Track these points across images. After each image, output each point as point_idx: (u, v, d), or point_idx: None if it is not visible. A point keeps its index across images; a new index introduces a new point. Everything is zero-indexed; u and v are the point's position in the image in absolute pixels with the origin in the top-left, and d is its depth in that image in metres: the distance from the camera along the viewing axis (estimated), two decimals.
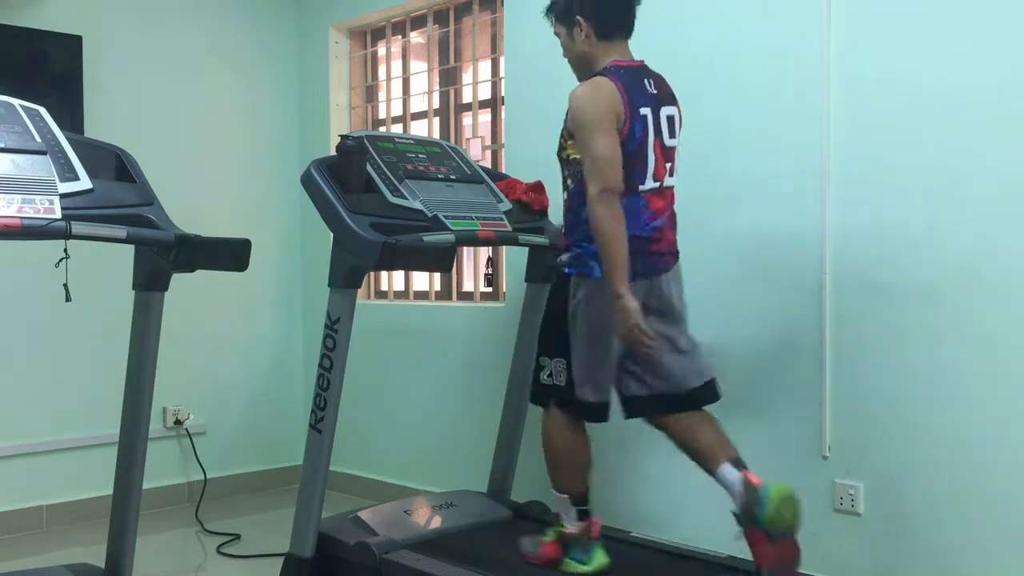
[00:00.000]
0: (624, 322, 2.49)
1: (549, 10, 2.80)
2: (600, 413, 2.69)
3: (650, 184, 2.61)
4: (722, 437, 2.63)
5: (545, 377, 2.73)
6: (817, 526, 2.98)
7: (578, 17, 2.66)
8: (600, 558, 2.77)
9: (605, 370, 2.66)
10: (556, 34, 2.78)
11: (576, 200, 2.64)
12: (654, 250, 2.64)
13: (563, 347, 2.68)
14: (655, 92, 2.65)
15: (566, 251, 2.70)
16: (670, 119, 2.67)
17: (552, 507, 3.05)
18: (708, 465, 2.60)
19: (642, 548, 3.02)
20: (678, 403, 2.67)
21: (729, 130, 3.16)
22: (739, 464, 2.54)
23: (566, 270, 2.68)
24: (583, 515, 2.76)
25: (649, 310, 2.60)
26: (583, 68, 2.70)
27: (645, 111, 2.59)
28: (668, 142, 2.66)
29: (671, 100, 2.71)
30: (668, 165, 2.66)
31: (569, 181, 2.70)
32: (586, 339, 2.64)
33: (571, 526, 2.76)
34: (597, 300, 2.59)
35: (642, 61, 2.71)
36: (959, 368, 2.72)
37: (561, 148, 2.73)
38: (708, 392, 2.71)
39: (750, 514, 2.45)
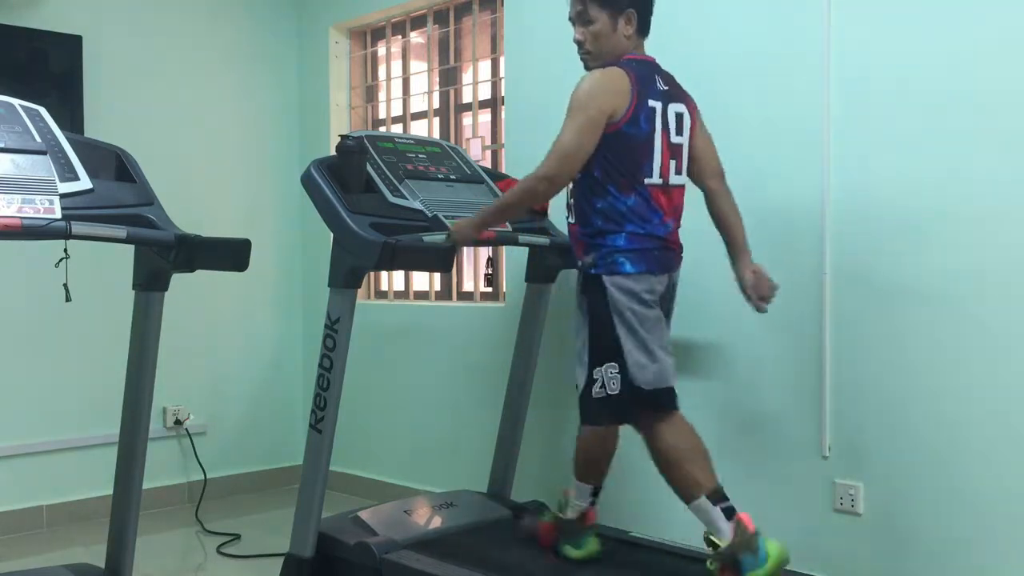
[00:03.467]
0: (457, 228, 2.78)
1: None
2: (672, 398, 2.61)
3: (656, 179, 2.61)
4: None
5: (598, 389, 2.57)
6: (817, 526, 2.98)
7: (630, 9, 2.61)
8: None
9: (665, 357, 2.59)
10: (586, 19, 2.63)
11: (588, 191, 2.61)
12: (670, 247, 2.66)
13: (614, 351, 2.56)
14: (665, 88, 2.65)
15: (588, 251, 2.63)
16: (679, 116, 2.66)
17: (551, 506, 3.07)
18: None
19: (642, 548, 3.03)
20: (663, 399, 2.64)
21: (729, 129, 3.15)
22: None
23: (593, 271, 2.60)
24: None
25: (665, 308, 2.66)
26: (605, 58, 2.63)
27: (654, 104, 2.59)
28: (675, 139, 2.65)
29: (681, 97, 2.70)
30: (674, 163, 2.65)
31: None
32: (633, 333, 2.56)
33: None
34: (632, 293, 2.55)
35: (653, 58, 2.71)
36: (959, 368, 2.72)
37: None
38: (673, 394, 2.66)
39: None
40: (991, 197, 2.66)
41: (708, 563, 2.50)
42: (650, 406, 2.59)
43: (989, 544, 2.68)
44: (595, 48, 2.65)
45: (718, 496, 2.50)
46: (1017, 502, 2.63)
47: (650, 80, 2.61)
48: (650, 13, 2.68)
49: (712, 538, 2.48)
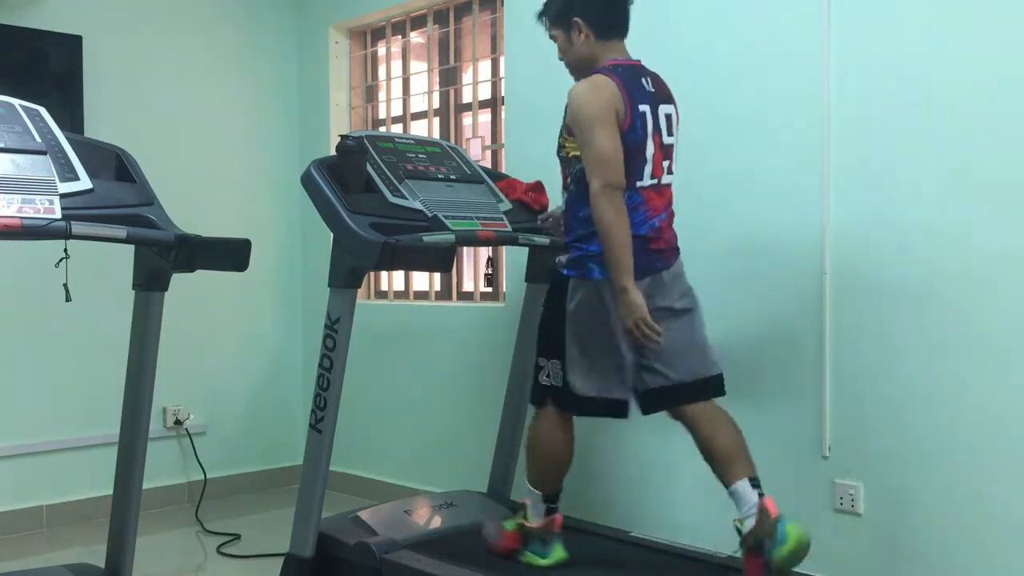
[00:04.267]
0: (629, 316, 2.51)
1: (543, 14, 2.79)
2: (618, 409, 2.69)
3: (648, 181, 2.62)
4: (741, 446, 2.62)
5: (543, 378, 2.73)
6: (817, 526, 2.98)
7: (576, 19, 2.66)
8: (558, 552, 2.84)
9: (610, 369, 2.65)
10: (552, 37, 2.77)
11: (575, 199, 2.65)
12: (653, 248, 2.64)
13: (559, 349, 2.68)
14: (653, 90, 2.65)
15: (564, 252, 2.71)
16: (668, 117, 2.68)
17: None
18: (725, 474, 2.59)
19: (642, 548, 3.02)
20: (693, 393, 2.67)
21: (729, 130, 3.16)
22: (756, 484, 2.54)
23: (564, 272, 2.68)
24: (550, 512, 2.82)
25: (654, 307, 2.62)
26: (582, 70, 2.69)
27: (644, 108, 2.60)
28: (667, 140, 2.66)
29: (668, 98, 2.71)
30: (666, 163, 2.66)
31: (569, 180, 2.71)
32: (587, 340, 2.64)
33: (535, 521, 2.82)
34: (596, 301, 2.60)
35: (639, 60, 2.71)
36: (959, 368, 2.71)
37: (560, 147, 2.74)
38: (718, 384, 2.72)
39: (758, 542, 2.46)
40: (991, 198, 2.65)
41: (505, 523, 2.87)
42: (588, 411, 2.71)
43: (989, 544, 2.67)
44: (567, 62, 2.77)
45: (551, 499, 2.80)
46: (1017, 502, 2.63)
47: (636, 83, 2.62)
48: (612, 16, 2.68)
49: (526, 512, 2.79)
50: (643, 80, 2.64)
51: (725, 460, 2.60)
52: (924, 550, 2.79)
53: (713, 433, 2.64)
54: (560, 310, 2.67)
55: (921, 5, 2.78)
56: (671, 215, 2.71)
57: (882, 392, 2.86)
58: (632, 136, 2.56)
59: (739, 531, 2.53)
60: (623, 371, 2.66)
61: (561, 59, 2.77)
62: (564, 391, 2.68)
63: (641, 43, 2.76)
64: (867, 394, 2.89)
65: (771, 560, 2.43)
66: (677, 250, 2.73)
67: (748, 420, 3.09)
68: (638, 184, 2.60)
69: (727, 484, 2.57)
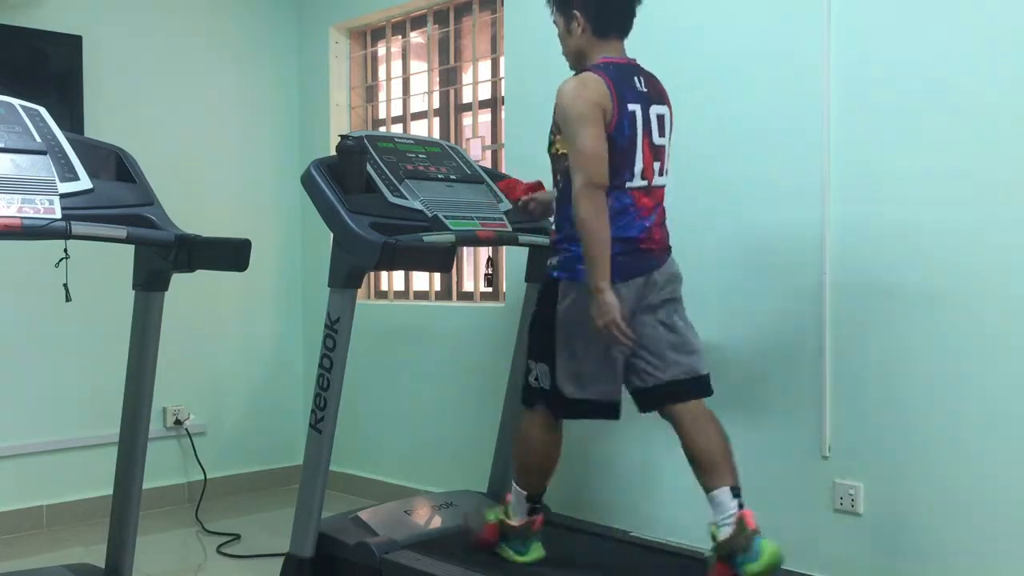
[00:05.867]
0: (601, 317, 2.51)
1: None
2: (608, 411, 2.70)
3: (638, 182, 2.61)
4: (726, 452, 2.60)
5: (532, 379, 2.73)
6: (817, 526, 2.98)
7: (575, 11, 2.66)
8: (537, 551, 2.86)
9: (600, 371, 2.65)
10: (555, 23, 2.76)
11: (564, 197, 2.65)
12: (643, 248, 2.64)
13: (547, 353, 2.68)
14: (645, 90, 2.64)
15: (554, 254, 2.70)
16: (660, 118, 2.66)
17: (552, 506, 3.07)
18: (706, 478, 2.58)
19: (642, 548, 3.03)
20: (684, 391, 2.66)
21: (729, 131, 3.16)
22: (738, 494, 2.54)
23: (554, 274, 2.68)
24: (533, 511, 2.84)
25: (647, 307, 2.63)
26: (577, 62, 2.71)
27: (633, 107, 2.59)
28: (657, 140, 2.65)
29: (662, 99, 2.70)
30: (657, 164, 2.65)
31: (559, 177, 2.71)
32: (577, 343, 2.63)
33: (516, 520, 2.84)
34: (585, 303, 2.58)
35: (634, 60, 2.70)
36: (959, 368, 2.71)
37: (550, 144, 2.75)
38: (707, 383, 2.70)
39: (731, 553, 2.46)
40: (991, 198, 2.65)
41: (488, 513, 2.83)
42: (576, 413, 2.71)
43: (989, 544, 2.67)
44: (564, 50, 2.76)
45: (534, 499, 2.81)
46: (1017, 502, 2.63)
47: (628, 83, 2.61)
48: (612, 15, 2.67)
49: (508, 508, 2.78)
50: (635, 79, 2.64)
51: (707, 464, 2.58)
52: (924, 550, 2.79)
53: (698, 435, 2.62)
54: (550, 313, 2.67)
55: (921, 5, 2.78)
56: (662, 214, 2.70)
57: (882, 392, 2.86)
58: (619, 135, 2.56)
59: (713, 537, 2.52)
60: (614, 372, 2.66)
61: (562, 49, 2.77)
62: (552, 394, 2.68)
63: (640, 43, 2.75)
64: (867, 394, 2.89)
65: (742, 573, 2.43)
66: (669, 249, 2.73)
67: (749, 420, 3.10)
68: (627, 185, 2.59)
69: (707, 489, 2.56)
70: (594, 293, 2.51)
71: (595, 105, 2.52)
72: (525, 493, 2.83)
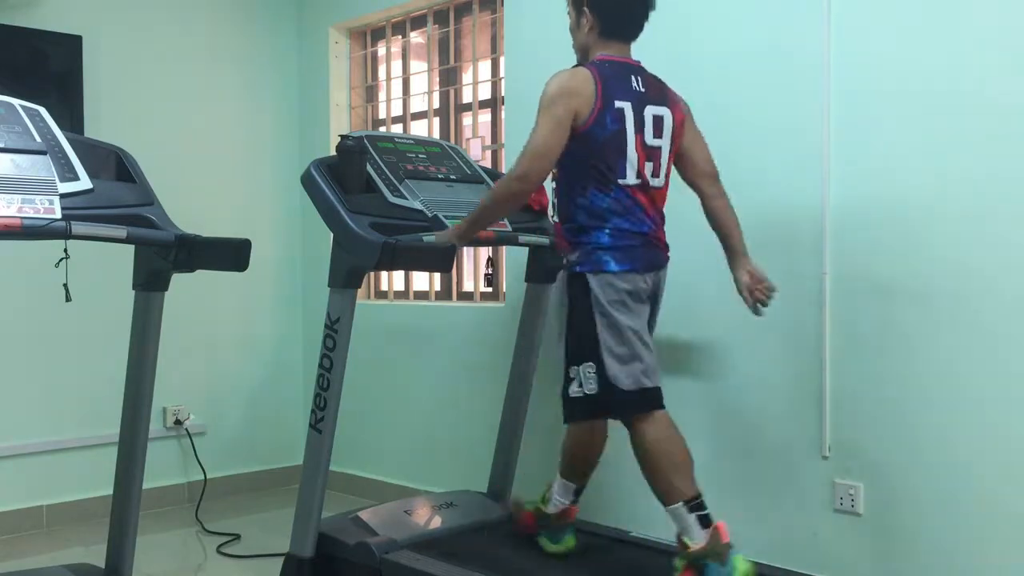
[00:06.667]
0: (440, 239, 2.73)
1: None
2: (656, 399, 2.61)
3: (632, 180, 2.61)
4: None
5: (575, 389, 2.60)
6: (817, 526, 2.98)
7: (586, 8, 2.67)
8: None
9: (645, 354, 2.59)
10: (568, 13, 2.77)
11: (565, 186, 2.67)
12: (655, 244, 2.68)
13: (592, 348, 2.57)
14: (642, 90, 2.64)
15: (571, 250, 2.66)
16: (657, 119, 2.65)
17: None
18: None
19: (642, 548, 3.03)
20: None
21: (729, 130, 3.15)
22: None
23: (577, 269, 2.62)
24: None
25: (655, 300, 2.70)
26: (582, 55, 2.74)
27: (622, 104, 2.58)
28: (651, 141, 2.64)
29: (663, 102, 2.69)
30: (650, 164, 2.65)
31: (555, 170, 2.71)
32: (623, 326, 2.57)
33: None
34: (615, 291, 2.57)
35: (638, 61, 2.71)
36: (959, 368, 2.71)
37: None
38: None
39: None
40: (990, 198, 2.66)
41: (675, 561, 2.50)
42: (631, 406, 2.59)
43: (989, 544, 2.67)
44: (573, 42, 2.78)
45: (696, 504, 2.50)
46: (1017, 501, 2.62)
47: (621, 80, 2.61)
48: (622, 19, 2.67)
49: (684, 539, 2.49)
50: (632, 78, 2.64)
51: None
52: (924, 550, 2.79)
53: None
54: (586, 306, 2.58)
55: (921, 5, 2.78)
56: (661, 220, 2.72)
57: (882, 392, 2.86)
58: (600, 129, 2.56)
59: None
60: (653, 357, 2.63)
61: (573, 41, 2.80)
62: (600, 396, 2.57)
63: (640, 42, 2.74)
64: (867, 394, 2.89)
65: None
66: (667, 251, 2.76)
67: (749, 420, 3.10)
68: (621, 181, 2.60)
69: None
70: (452, 233, 2.74)
71: (568, 101, 2.54)
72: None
